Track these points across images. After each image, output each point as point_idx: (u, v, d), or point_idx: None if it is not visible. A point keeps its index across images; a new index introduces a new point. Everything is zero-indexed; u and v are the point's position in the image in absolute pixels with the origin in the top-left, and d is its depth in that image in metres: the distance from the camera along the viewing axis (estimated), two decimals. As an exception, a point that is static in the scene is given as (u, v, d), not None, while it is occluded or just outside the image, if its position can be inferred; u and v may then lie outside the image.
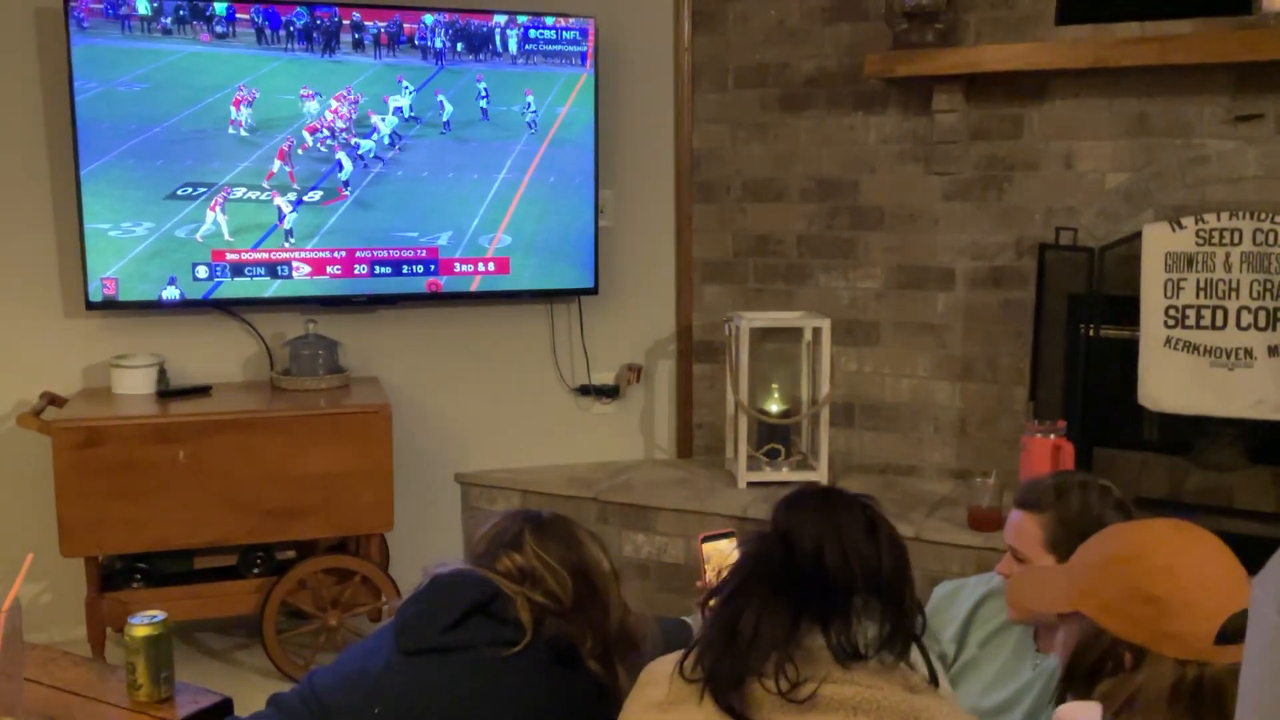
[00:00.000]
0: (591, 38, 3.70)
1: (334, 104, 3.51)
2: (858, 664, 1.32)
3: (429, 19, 3.55)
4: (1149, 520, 1.47)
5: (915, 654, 1.38)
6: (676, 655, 1.41)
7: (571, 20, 3.67)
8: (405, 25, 3.54)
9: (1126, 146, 3.35)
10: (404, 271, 3.61)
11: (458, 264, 3.67)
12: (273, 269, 3.49)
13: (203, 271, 3.42)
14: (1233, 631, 1.19)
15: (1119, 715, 1.23)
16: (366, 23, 3.50)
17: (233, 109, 3.41)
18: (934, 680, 1.36)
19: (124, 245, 3.35)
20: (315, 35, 3.46)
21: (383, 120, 3.56)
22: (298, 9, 3.43)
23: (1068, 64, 3.24)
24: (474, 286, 3.71)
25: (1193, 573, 1.25)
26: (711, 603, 1.42)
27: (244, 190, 3.44)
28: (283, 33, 3.44)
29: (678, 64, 3.93)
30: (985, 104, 3.50)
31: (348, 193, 3.54)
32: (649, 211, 4.00)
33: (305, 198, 3.50)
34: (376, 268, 3.58)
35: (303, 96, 3.46)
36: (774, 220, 3.90)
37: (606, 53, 3.78)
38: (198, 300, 3.45)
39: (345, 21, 3.48)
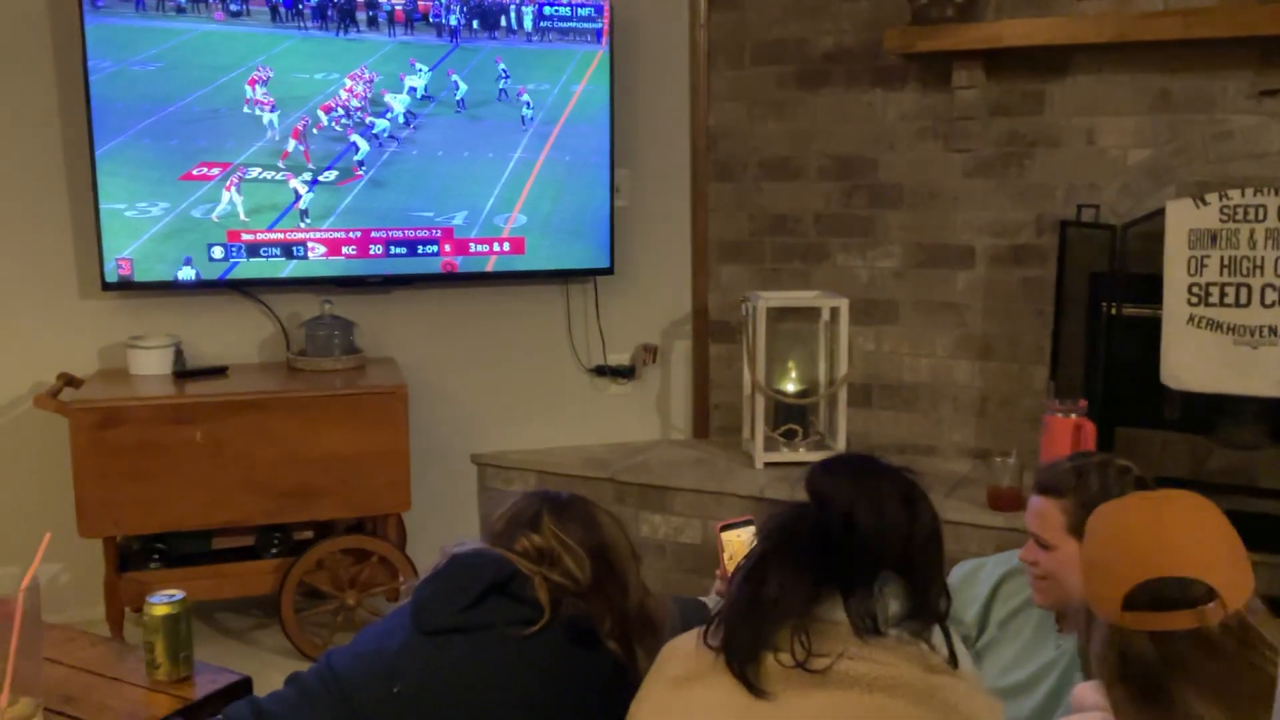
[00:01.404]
0: (607, 14, 3.67)
1: (349, 83, 3.49)
2: (876, 640, 1.30)
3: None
4: (1151, 492, 1.46)
5: (937, 634, 1.36)
6: (697, 631, 1.40)
7: (587, -3, 3.65)
8: (420, 2, 3.51)
9: (1149, 122, 3.30)
10: (419, 252, 3.60)
11: (473, 244, 3.65)
12: (288, 249, 3.48)
13: (218, 252, 3.42)
14: (1143, 599, 1.17)
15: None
16: (381, 0, 3.48)
17: (248, 88, 3.39)
18: (954, 661, 1.34)
19: (139, 225, 3.35)
20: (330, 13, 3.44)
21: (397, 99, 3.54)
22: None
23: (1089, 38, 3.20)
24: (489, 267, 3.69)
25: (1123, 537, 1.24)
26: (736, 573, 1.40)
27: (259, 170, 3.43)
28: (296, 10, 3.42)
29: (694, 41, 3.89)
30: (1006, 79, 3.46)
31: (363, 173, 3.53)
32: (665, 191, 3.97)
33: (321, 178, 3.49)
34: (392, 248, 3.57)
35: (259, 104, 3.42)
36: (791, 199, 3.87)
37: (622, 29, 3.75)
38: (214, 281, 3.44)
39: None
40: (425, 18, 3.53)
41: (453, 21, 3.55)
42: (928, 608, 1.36)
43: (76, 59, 3.25)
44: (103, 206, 3.30)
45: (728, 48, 3.89)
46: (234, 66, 3.39)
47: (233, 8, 3.36)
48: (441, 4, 3.53)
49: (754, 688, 1.29)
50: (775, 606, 1.31)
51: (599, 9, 3.66)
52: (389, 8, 3.49)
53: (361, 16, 3.47)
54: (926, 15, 3.37)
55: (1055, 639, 1.91)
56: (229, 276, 3.45)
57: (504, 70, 3.62)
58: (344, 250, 3.53)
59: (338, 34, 3.47)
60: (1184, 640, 1.16)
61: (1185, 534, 1.22)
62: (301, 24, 3.43)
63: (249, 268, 3.46)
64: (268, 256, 3.46)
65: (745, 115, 3.90)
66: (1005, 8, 3.41)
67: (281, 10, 3.41)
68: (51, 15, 3.32)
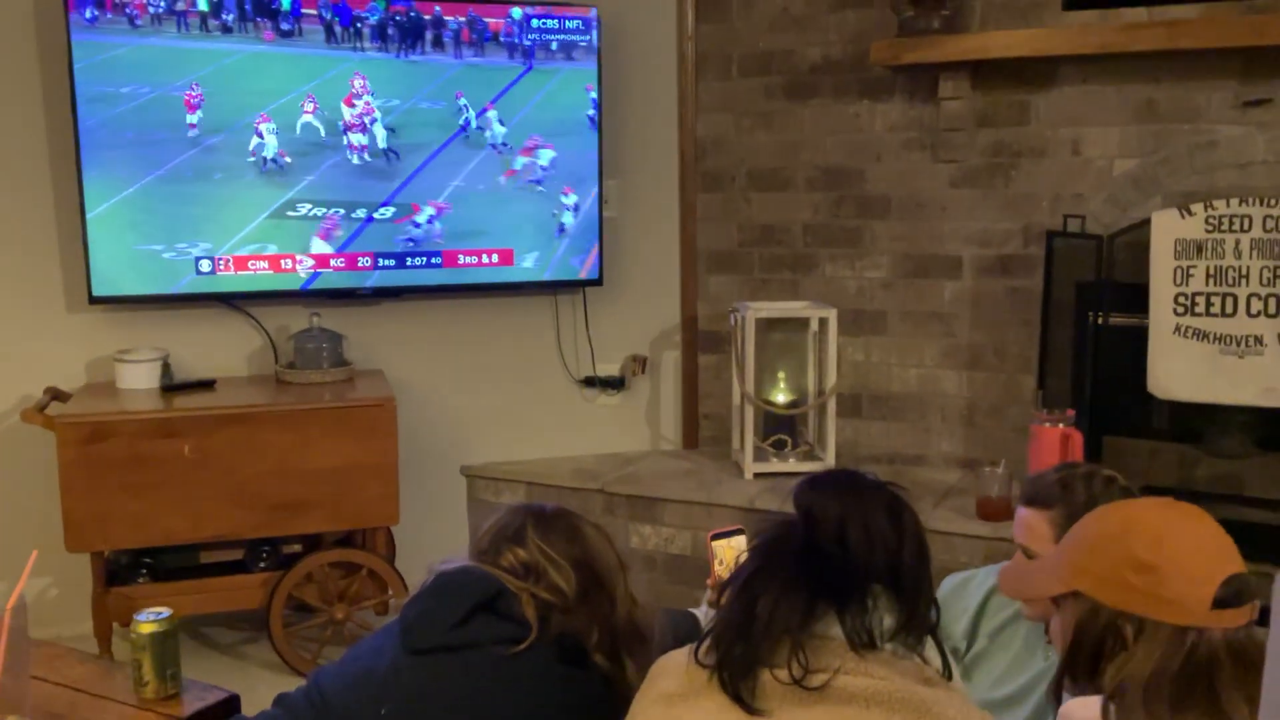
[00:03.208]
0: (595, 26, 3.67)
1: (410, 104, 3.34)
2: (872, 654, 1.30)
3: (517, 12, 3.40)
4: (1136, 499, 1.49)
5: (930, 647, 1.37)
6: (689, 647, 1.39)
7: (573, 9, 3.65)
8: (491, 21, 3.29)
9: (1134, 132, 3.32)
10: (408, 264, 3.59)
11: (461, 255, 3.65)
12: (276, 262, 3.47)
13: (205, 265, 3.41)
14: (1229, 596, 1.20)
15: (1113, 697, 1.23)
16: (447, 18, 3.23)
17: (304, 112, 3.25)
18: (948, 673, 1.34)
19: (180, 268, 3.34)
20: (391, 32, 3.20)
21: (489, 130, 3.43)
22: (371, 2, 3.22)
23: (1075, 50, 3.22)
24: (478, 279, 3.69)
25: (1184, 539, 1.27)
26: (727, 591, 1.40)
27: (309, 206, 3.33)
28: (354, 30, 3.21)
29: (682, 52, 3.90)
30: (992, 91, 3.48)
31: (424, 208, 3.48)
32: (654, 201, 3.98)
33: (375, 215, 3.45)
34: (380, 260, 3.56)
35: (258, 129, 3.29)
36: (779, 209, 3.87)
37: (610, 41, 3.76)
38: (202, 294, 3.43)
39: (426, 17, 3.22)
40: (496, 38, 3.28)
41: (528, 42, 3.30)
42: (918, 620, 1.36)
43: (64, 78, 3.24)
44: (138, 247, 3.28)
45: (715, 59, 3.90)
46: (285, 91, 3.22)
47: (284, 27, 3.13)
48: (515, 21, 3.25)
49: (749, 707, 1.28)
50: (770, 624, 1.31)
51: (587, 22, 3.66)
52: (456, 26, 3.20)
53: (426, 37, 3.27)
54: (912, 27, 3.38)
55: (1045, 650, 1.92)
56: (217, 290, 3.44)
57: (593, 98, 3.61)
58: (332, 263, 3.52)
59: (399, 55, 3.26)
60: (1245, 636, 1.20)
61: (1217, 528, 1.28)
62: (359, 45, 3.21)
63: (236, 281, 3.45)
64: (255, 269, 3.45)
65: (733, 126, 3.91)
66: (991, 19, 3.43)
67: (338, 29, 3.17)
68: (37, 27, 3.31)
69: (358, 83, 3.30)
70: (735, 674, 1.30)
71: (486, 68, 3.40)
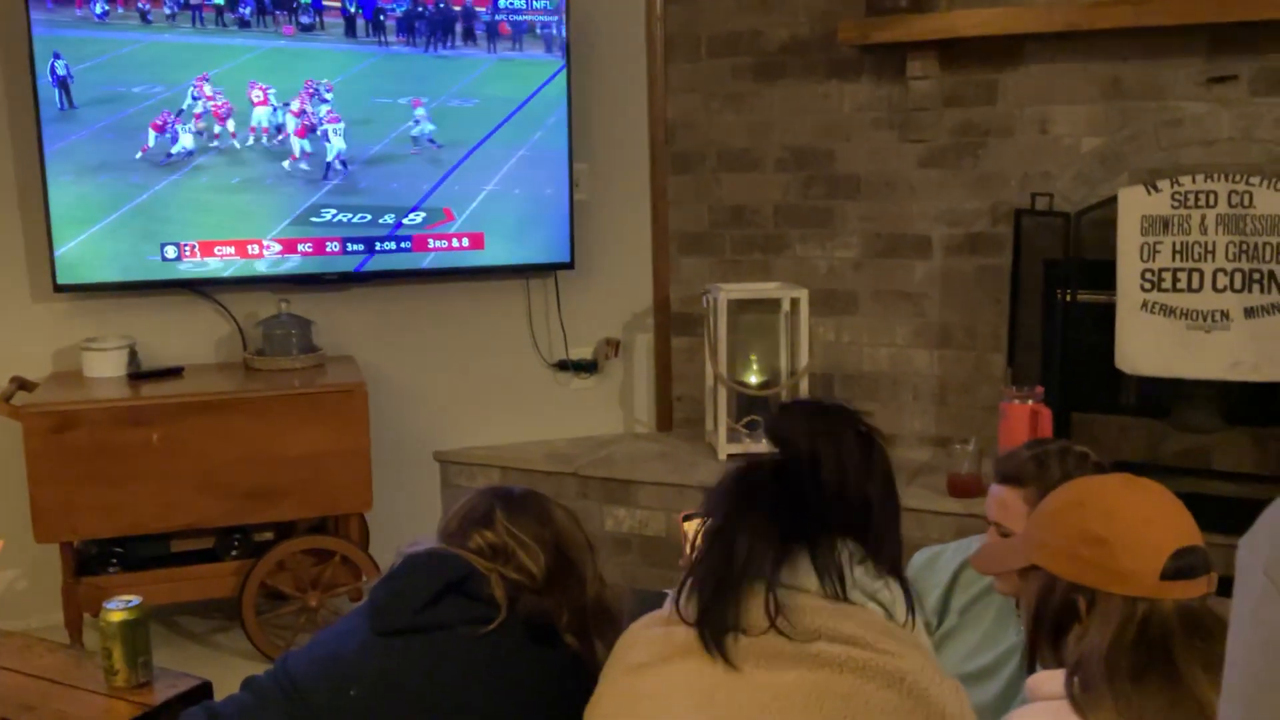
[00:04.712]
0: (564, 8, 3.64)
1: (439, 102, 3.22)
2: (845, 607, 1.32)
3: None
4: (1097, 475, 1.52)
5: (895, 590, 1.38)
6: (654, 615, 1.41)
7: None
8: (530, 14, 3.15)
9: (1101, 110, 3.34)
10: (377, 249, 3.57)
11: (431, 240, 3.63)
12: (243, 248, 3.44)
13: (171, 251, 3.37)
14: (1180, 568, 1.22)
15: (1076, 670, 1.25)
16: (479, 8, 3.08)
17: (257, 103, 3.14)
18: (912, 615, 1.36)
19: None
20: (418, 25, 3.08)
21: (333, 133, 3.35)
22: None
23: (1041, 28, 3.23)
24: (448, 263, 3.67)
25: (1135, 513, 1.29)
26: (699, 538, 1.42)
27: (334, 212, 3.24)
28: (377, 23, 3.08)
29: (650, 34, 3.89)
30: (959, 70, 3.48)
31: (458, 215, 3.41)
32: (624, 184, 3.97)
33: (405, 220, 3.40)
34: (349, 245, 3.54)
35: (255, 104, 3.14)
36: (750, 190, 3.88)
37: (578, 23, 3.73)
38: (168, 281, 3.40)
39: (456, 9, 3.07)
40: (533, 29, 3.14)
41: (567, 34, 3.18)
42: (887, 551, 1.39)
43: (24, 64, 3.19)
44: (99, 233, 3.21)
45: (684, 40, 3.89)
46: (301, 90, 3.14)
47: (303, 20, 2.98)
48: (558, 10, 3.03)
49: (726, 660, 1.29)
50: (746, 567, 1.33)
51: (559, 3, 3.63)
52: (488, 18, 3.03)
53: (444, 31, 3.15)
54: (880, 6, 3.39)
55: (1016, 625, 1.93)
56: (181, 276, 3.41)
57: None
58: (300, 248, 3.49)
59: (427, 50, 3.13)
60: (1200, 606, 1.22)
61: (1176, 503, 1.29)
62: (383, 39, 3.07)
63: (202, 267, 3.42)
64: (221, 255, 3.42)
65: (702, 107, 3.90)
66: (958, -2, 3.44)
67: (360, 22, 3.03)
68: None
69: (390, 81, 3.18)
70: (715, 629, 1.32)
71: (524, 61, 3.31)
